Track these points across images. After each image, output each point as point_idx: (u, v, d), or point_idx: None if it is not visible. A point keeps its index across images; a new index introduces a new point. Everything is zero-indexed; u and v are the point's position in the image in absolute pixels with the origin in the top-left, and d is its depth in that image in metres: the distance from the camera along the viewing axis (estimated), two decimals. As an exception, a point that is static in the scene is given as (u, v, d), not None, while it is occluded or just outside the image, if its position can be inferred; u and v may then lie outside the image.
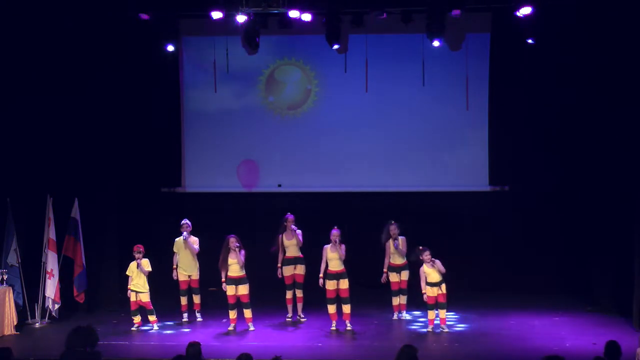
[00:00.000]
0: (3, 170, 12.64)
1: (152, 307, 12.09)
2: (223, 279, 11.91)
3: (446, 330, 11.66)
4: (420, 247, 11.75)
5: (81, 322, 8.73)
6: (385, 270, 12.40)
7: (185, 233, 12.47)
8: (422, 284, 11.74)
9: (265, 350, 10.13)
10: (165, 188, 14.78)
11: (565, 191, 14.05)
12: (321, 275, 11.90)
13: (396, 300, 12.49)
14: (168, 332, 12.00)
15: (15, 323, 12.03)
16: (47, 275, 12.52)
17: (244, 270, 11.87)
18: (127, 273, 12.13)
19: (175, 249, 12.59)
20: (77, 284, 12.77)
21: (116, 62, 13.59)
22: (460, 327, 12.07)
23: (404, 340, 11.06)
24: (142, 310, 12.11)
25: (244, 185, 14.65)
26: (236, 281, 11.85)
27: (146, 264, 12.09)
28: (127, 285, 12.16)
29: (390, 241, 12.33)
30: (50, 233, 12.58)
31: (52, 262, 12.54)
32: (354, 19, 13.43)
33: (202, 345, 7.59)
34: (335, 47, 13.48)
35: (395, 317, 12.53)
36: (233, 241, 11.78)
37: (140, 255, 12.07)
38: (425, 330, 11.78)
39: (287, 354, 9.61)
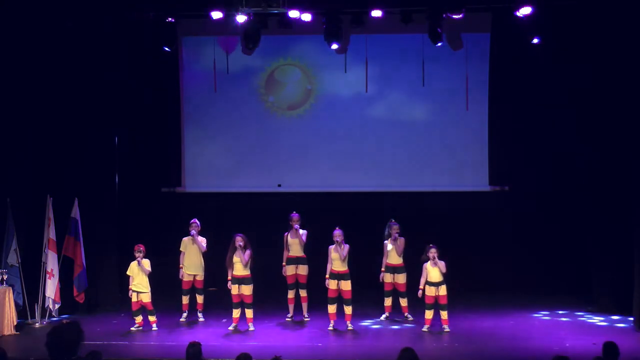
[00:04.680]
0: (3, 170, 12.65)
1: (152, 308, 12.07)
2: (229, 277, 11.91)
3: (447, 330, 11.65)
4: (430, 245, 11.72)
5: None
6: (382, 269, 12.39)
7: (193, 231, 12.47)
8: (422, 280, 11.75)
9: (265, 350, 10.12)
10: (165, 188, 14.79)
11: (565, 191, 14.05)
12: (327, 275, 11.91)
13: (388, 301, 12.45)
14: (168, 332, 12.00)
15: (15, 323, 12.02)
16: (47, 275, 12.52)
17: (249, 270, 11.84)
18: (127, 273, 12.12)
19: (182, 248, 12.59)
20: (77, 284, 12.77)
21: (116, 62, 13.58)
22: (461, 326, 12.05)
23: (404, 340, 11.08)
24: (144, 310, 12.09)
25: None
26: (240, 280, 11.83)
27: (147, 264, 12.07)
28: (127, 285, 12.15)
29: (388, 240, 12.32)
30: (50, 233, 12.58)
31: (52, 262, 12.53)
32: (354, 19, 13.44)
33: (203, 345, 7.58)
34: (334, 46, 13.51)
35: (383, 317, 12.50)
36: (238, 239, 11.75)
37: (141, 255, 12.05)
38: (423, 330, 11.75)
39: (287, 354, 9.60)
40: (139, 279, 12.02)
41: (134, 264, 12.05)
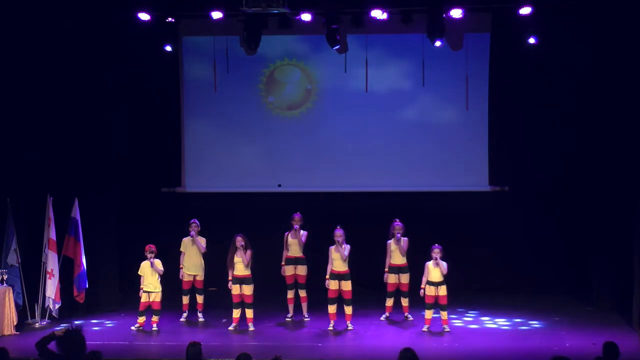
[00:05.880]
0: (3, 170, 12.64)
1: (160, 308, 12.05)
2: (229, 278, 11.92)
3: (447, 330, 11.66)
4: (435, 244, 11.71)
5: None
6: (386, 270, 12.37)
7: (193, 232, 12.48)
8: (423, 278, 11.75)
9: (265, 350, 10.14)
10: (165, 188, 14.79)
11: (565, 191, 14.06)
12: (327, 276, 11.90)
13: (390, 302, 12.44)
14: (168, 332, 11.99)
15: (15, 323, 12.02)
16: (47, 275, 12.51)
17: (250, 270, 11.86)
18: (139, 273, 12.10)
19: (182, 249, 12.60)
20: (77, 284, 12.76)
21: (116, 62, 13.58)
22: (460, 326, 12.07)
23: (404, 340, 11.09)
24: (149, 311, 12.06)
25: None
26: (241, 280, 11.84)
27: (159, 264, 12.07)
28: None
29: (392, 240, 12.30)
30: (50, 233, 12.57)
31: (52, 262, 12.52)
32: (354, 19, 13.45)
33: (203, 345, 7.59)
34: (336, 47, 13.52)
35: (383, 317, 12.50)
36: (239, 240, 11.77)
37: (153, 255, 12.03)
38: (422, 329, 11.75)
39: (287, 354, 9.61)
40: (150, 279, 12.02)
41: (145, 264, 12.03)
